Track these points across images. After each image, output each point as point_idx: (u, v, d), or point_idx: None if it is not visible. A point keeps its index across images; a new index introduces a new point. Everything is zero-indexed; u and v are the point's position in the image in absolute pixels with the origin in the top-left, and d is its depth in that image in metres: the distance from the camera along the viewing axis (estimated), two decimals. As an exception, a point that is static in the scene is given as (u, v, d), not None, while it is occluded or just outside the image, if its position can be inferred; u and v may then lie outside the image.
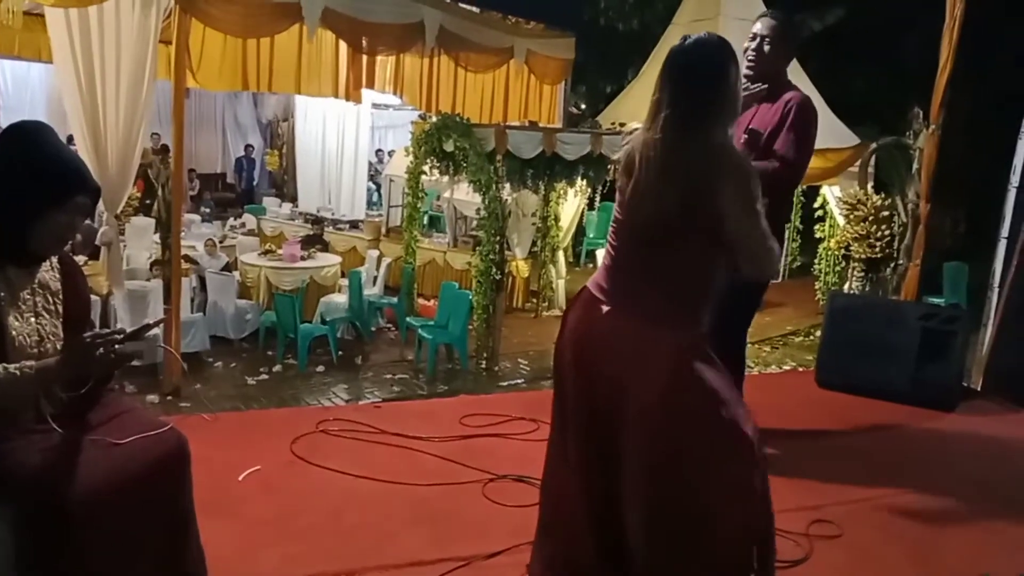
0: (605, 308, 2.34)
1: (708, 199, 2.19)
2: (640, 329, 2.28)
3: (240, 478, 3.37)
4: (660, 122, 2.26)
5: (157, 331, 6.42)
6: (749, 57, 3.66)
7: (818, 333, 5.06)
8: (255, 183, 16.68)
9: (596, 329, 2.36)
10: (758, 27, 3.69)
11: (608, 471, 2.32)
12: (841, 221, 8.54)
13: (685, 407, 2.22)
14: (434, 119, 8.01)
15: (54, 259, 2.28)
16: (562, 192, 8.93)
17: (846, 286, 8.56)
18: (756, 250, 2.23)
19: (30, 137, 2.16)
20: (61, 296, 2.26)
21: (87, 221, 2.24)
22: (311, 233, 10.16)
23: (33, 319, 2.17)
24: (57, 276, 2.27)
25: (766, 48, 3.64)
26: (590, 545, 2.41)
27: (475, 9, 8.71)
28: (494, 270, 7.47)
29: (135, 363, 6.72)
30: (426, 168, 8.28)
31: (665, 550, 2.25)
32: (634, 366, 2.26)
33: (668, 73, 2.33)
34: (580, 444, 2.41)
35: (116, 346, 2.09)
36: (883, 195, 8.13)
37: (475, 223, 9.01)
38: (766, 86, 3.56)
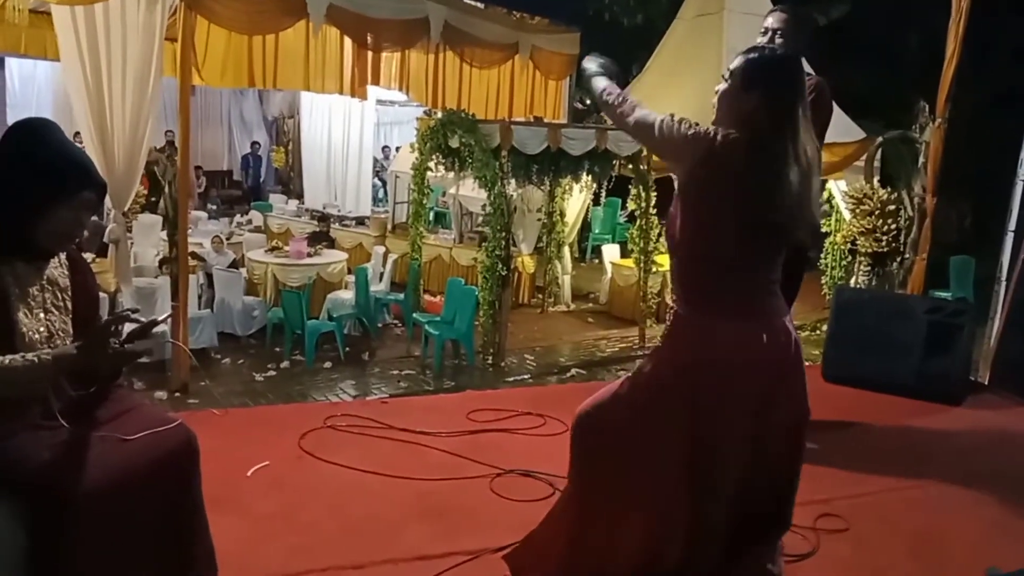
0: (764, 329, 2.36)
1: None
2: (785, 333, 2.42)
3: (249, 473, 3.39)
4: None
5: (165, 327, 6.45)
6: None
7: (824, 327, 5.05)
8: (262, 180, 16.71)
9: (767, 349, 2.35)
10: (770, 21, 3.74)
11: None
12: (847, 215, 8.51)
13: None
14: (439, 115, 8.01)
15: (62, 255, 2.29)
16: (567, 188, 8.92)
17: (852, 280, 8.54)
18: None
19: (36, 134, 2.17)
20: (70, 292, 2.27)
21: (94, 217, 2.24)
22: (317, 230, 10.17)
23: (43, 315, 2.18)
24: (66, 272, 2.28)
25: (778, 42, 3.68)
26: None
27: (480, 5, 8.72)
28: (500, 266, 7.47)
29: (144, 360, 6.76)
30: (431, 164, 8.29)
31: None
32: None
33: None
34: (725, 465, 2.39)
35: (125, 345, 2.10)
36: (889, 189, 8.11)
37: (481, 219, 9.02)
38: None
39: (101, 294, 6.91)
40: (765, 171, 2.21)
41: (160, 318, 2.25)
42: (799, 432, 2.48)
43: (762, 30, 3.78)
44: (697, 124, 2.33)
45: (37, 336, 2.14)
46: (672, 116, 2.36)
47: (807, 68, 3.65)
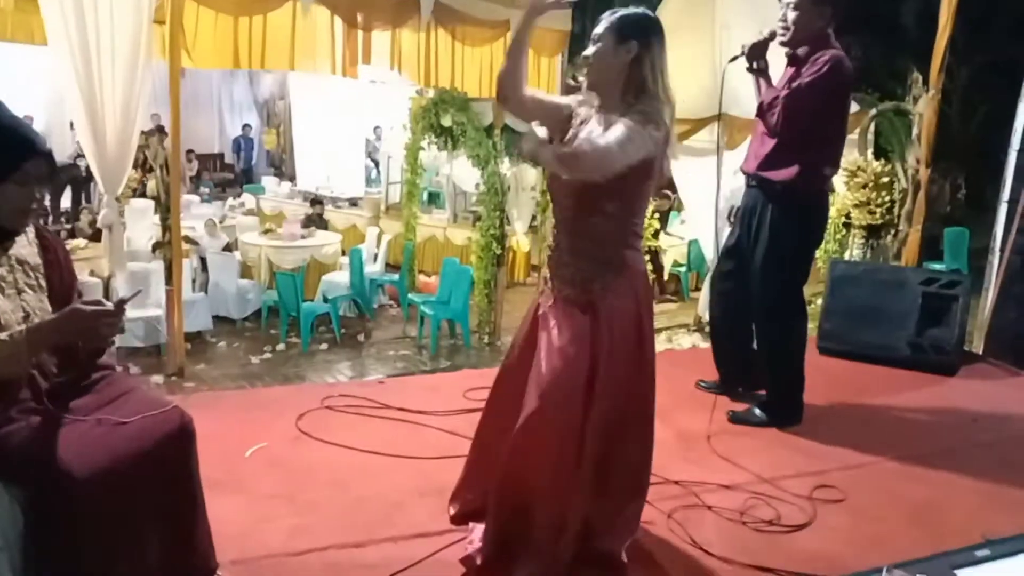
0: None
1: None
2: None
3: (247, 454, 3.39)
4: None
5: (159, 312, 6.45)
6: (780, 28, 3.66)
7: (819, 301, 5.06)
8: (253, 162, 16.64)
9: None
10: None
11: None
12: (841, 188, 8.51)
13: None
14: (431, 94, 7.97)
15: (31, 233, 2.23)
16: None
17: (847, 253, 8.56)
18: None
19: None
20: (43, 270, 2.22)
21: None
22: (310, 214, 10.12)
23: (16, 296, 2.13)
24: (36, 251, 2.23)
25: (792, 16, 3.62)
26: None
27: (470, -18, 8.64)
28: (494, 245, 7.48)
29: (138, 344, 6.76)
30: (424, 144, 8.26)
31: None
32: None
33: None
34: None
35: (115, 312, 2.07)
36: (883, 161, 8.10)
37: (474, 198, 9.00)
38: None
39: (95, 279, 6.91)
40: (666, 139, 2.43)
41: (127, 296, 2.18)
42: None
43: (781, 4, 3.72)
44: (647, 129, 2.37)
45: (14, 318, 2.09)
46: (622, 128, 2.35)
47: (830, 42, 3.62)
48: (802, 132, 3.57)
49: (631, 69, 2.44)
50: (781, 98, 3.55)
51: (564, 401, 2.45)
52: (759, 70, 3.69)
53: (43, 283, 2.22)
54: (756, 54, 3.66)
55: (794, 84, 3.56)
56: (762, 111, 3.64)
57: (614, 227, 2.52)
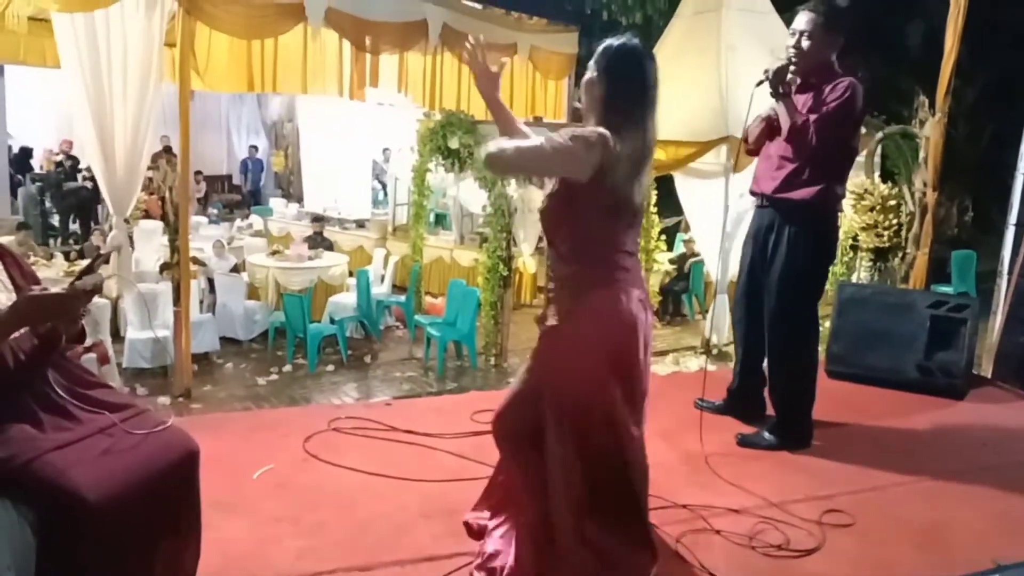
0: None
1: None
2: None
3: (254, 476, 3.39)
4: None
5: (166, 332, 6.47)
6: (791, 54, 3.71)
7: (827, 323, 5.05)
8: (261, 184, 16.72)
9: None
10: (796, 23, 3.74)
11: None
12: (848, 211, 8.52)
13: None
14: (438, 117, 8.02)
15: None
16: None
17: (854, 276, 8.55)
18: None
19: None
20: (12, 287, 2.22)
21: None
22: (312, 233, 10.14)
23: None
24: None
25: (805, 44, 3.68)
26: None
27: (478, 6, 8.74)
28: (501, 266, 7.48)
29: (145, 365, 6.76)
30: (431, 166, 8.29)
31: None
32: None
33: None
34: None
35: (75, 282, 2.07)
36: (890, 184, 8.11)
37: (481, 220, 9.02)
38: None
39: (104, 300, 6.93)
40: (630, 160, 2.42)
41: (104, 250, 2.16)
42: None
43: (791, 32, 3.77)
44: (592, 131, 2.42)
45: None
46: (559, 132, 2.42)
47: (836, 68, 3.67)
48: (825, 154, 3.62)
49: (603, 96, 2.49)
50: (812, 122, 3.59)
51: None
52: (784, 95, 3.70)
53: (8, 284, 2.21)
54: (779, 79, 3.68)
55: (824, 109, 3.61)
56: (794, 134, 3.65)
57: (575, 254, 2.56)
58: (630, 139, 2.43)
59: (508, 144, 2.44)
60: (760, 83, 3.73)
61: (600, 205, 2.46)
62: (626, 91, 2.47)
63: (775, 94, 3.73)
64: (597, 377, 2.51)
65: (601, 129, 2.40)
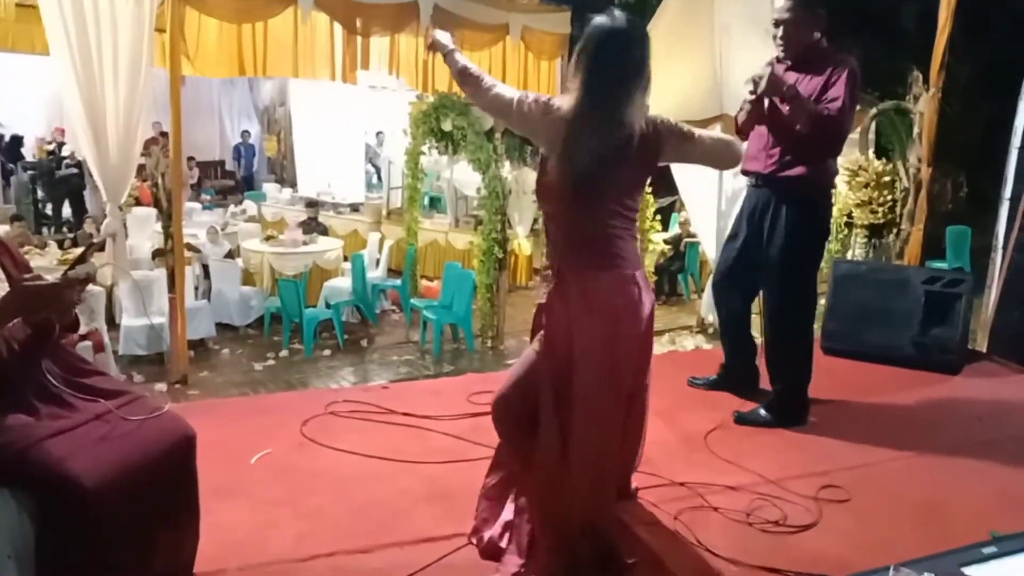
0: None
1: None
2: None
3: (252, 461, 3.39)
4: None
5: (162, 319, 6.46)
6: (777, 43, 3.70)
7: (822, 301, 5.06)
8: (254, 169, 16.65)
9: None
10: (776, 11, 3.72)
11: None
12: (843, 188, 8.52)
13: None
14: (431, 99, 7.98)
15: None
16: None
17: (849, 253, 8.56)
18: None
19: None
20: (4, 275, 2.21)
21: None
22: (306, 217, 10.10)
23: None
24: None
25: (788, 27, 3.66)
26: None
27: (469, -13, 8.67)
28: (496, 248, 7.48)
29: (141, 352, 6.76)
30: (425, 149, 8.26)
31: None
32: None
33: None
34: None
35: (68, 271, 2.07)
36: (884, 160, 8.10)
37: (476, 202, 9.01)
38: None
39: (98, 288, 6.91)
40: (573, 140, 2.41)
41: (98, 239, 2.16)
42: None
43: (773, 21, 3.74)
44: (548, 98, 2.51)
45: None
46: (527, 94, 2.53)
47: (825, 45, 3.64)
48: (826, 132, 3.61)
49: (581, 80, 2.48)
50: (835, 112, 3.57)
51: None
52: (792, 97, 3.62)
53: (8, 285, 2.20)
54: (775, 89, 3.61)
55: (829, 90, 3.59)
56: (814, 120, 3.60)
57: (553, 228, 2.59)
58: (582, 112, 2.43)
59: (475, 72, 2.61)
60: (755, 94, 3.67)
61: (544, 168, 2.59)
62: (600, 69, 2.42)
63: (783, 101, 3.68)
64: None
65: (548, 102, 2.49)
